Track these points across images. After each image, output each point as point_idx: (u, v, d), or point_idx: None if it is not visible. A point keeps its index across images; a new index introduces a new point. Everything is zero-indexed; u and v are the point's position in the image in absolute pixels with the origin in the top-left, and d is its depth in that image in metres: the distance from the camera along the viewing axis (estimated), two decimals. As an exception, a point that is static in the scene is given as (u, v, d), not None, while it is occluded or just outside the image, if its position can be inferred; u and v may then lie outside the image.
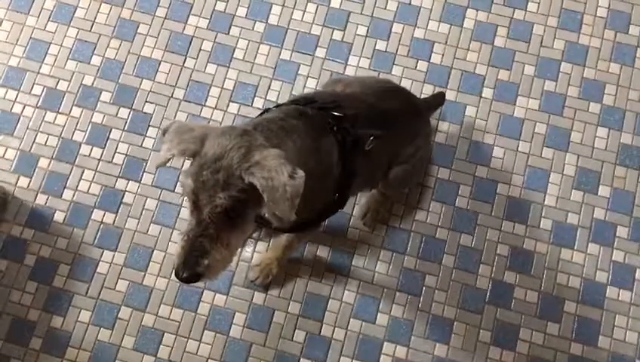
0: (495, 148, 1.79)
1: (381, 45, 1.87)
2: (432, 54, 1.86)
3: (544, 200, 1.75)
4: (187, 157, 1.07)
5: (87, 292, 1.69)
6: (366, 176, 1.37)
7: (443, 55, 1.86)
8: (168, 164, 1.11)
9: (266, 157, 1.03)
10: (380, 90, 1.47)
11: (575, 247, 1.71)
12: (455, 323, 1.66)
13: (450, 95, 1.82)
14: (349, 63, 1.85)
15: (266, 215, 1.22)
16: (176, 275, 1.06)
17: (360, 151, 1.27)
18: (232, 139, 1.04)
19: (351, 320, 1.66)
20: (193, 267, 1.04)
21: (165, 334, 1.66)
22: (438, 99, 1.70)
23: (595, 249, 1.71)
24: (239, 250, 1.13)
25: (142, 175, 1.77)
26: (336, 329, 1.66)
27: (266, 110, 1.31)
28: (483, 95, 1.83)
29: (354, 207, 1.74)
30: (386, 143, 1.33)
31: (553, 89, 1.83)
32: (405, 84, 1.83)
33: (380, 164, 1.44)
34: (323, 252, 1.71)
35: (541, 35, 1.87)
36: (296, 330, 1.66)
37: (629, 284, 1.68)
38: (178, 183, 1.76)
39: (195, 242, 1.04)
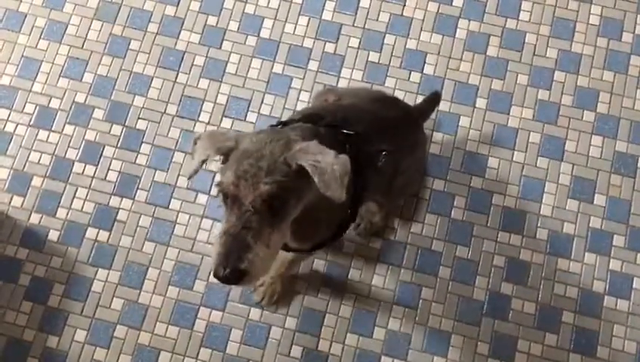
0: (490, 158, 1.78)
1: (374, 57, 1.86)
2: (425, 65, 1.86)
3: (540, 210, 1.74)
4: (221, 156, 1.04)
5: (82, 311, 1.68)
6: (375, 189, 1.36)
7: (436, 66, 1.85)
8: (203, 167, 1.06)
9: (307, 145, 1.02)
10: (376, 101, 1.46)
11: (572, 257, 1.71)
12: (453, 336, 1.65)
13: (443, 106, 1.81)
14: (341, 76, 1.85)
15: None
16: (216, 275, 0.97)
17: (373, 167, 1.26)
18: (269, 135, 1.03)
19: (348, 334, 1.66)
20: (236, 263, 0.96)
21: (162, 352, 1.65)
22: (432, 103, 1.64)
23: (592, 258, 1.70)
24: (279, 250, 1.06)
25: (136, 192, 1.76)
26: (333, 343, 1.65)
27: (278, 125, 1.26)
28: (477, 105, 1.82)
29: (349, 220, 1.73)
30: (390, 155, 1.32)
31: (547, 98, 1.83)
32: (399, 95, 1.82)
33: (387, 177, 1.42)
34: (319, 266, 1.70)
35: (534, 43, 1.87)
36: (293, 346, 1.65)
37: (627, 293, 1.68)
38: (172, 200, 1.76)
39: (236, 237, 0.97)
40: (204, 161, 1.04)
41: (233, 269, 0.96)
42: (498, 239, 1.72)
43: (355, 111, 1.36)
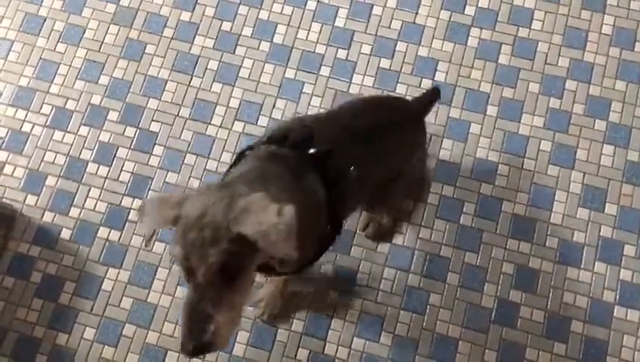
0: (500, 165, 1.78)
1: (385, 63, 1.88)
2: (437, 72, 1.87)
3: (550, 218, 1.73)
4: (170, 227, 1.00)
5: (92, 310, 1.70)
6: (358, 198, 1.34)
7: (447, 73, 1.86)
8: (155, 238, 1.06)
9: (251, 202, 0.98)
10: (362, 106, 1.43)
11: (582, 266, 1.69)
12: (460, 343, 1.64)
13: (454, 113, 1.82)
14: (353, 82, 1.87)
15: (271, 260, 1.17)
16: (182, 349, 0.97)
17: (345, 182, 1.22)
18: (212, 194, 1.00)
19: (354, 338, 1.65)
20: (199, 338, 0.96)
21: (169, 352, 1.66)
22: (432, 97, 1.56)
23: (603, 267, 1.69)
24: (246, 306, 1.07)
25: (147, 193, 1.79)
26: (339, 347, 1.65)
27: (241, 153, 1.25)
28: (487, 112, 1.83)
29: (357, 224, 1.73)
30: (377, 159, 1.31)
31: (558, 106, 1.83)
32: (409, 101, 1.83)
33: (374, 182, 1.40)
34: (327, 269, 1.70)
35: (546, 52, 1.87)
36: (300, 349, 1.65)
37: (638, 303, 1.66)
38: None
39: (196, 310, 0.96)
40: (154, 233, 1.03)
41: (196, 345, 0.97)
42: (507, 246, 1.71)
43: (327, 123, 1.33)
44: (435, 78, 1.86)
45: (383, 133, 1.35)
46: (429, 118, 1.81)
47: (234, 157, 1.27)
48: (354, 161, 1.25)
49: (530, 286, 1.68)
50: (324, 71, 1.88)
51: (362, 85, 1.86)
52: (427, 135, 1.57)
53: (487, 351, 1.64)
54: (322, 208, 1.20)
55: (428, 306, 1.68)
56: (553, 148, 1.79)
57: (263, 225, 0.95)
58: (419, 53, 1.89)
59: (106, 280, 1.72)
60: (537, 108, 1.83)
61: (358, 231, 1.73)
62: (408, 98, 1.83)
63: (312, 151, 1.19)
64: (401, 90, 1.85)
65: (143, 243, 1.03)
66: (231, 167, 1.25)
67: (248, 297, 1.05)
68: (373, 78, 1.86)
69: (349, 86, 1.86)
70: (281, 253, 0.98)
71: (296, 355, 1.64)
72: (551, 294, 1.67)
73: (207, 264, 0.96)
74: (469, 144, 1.80)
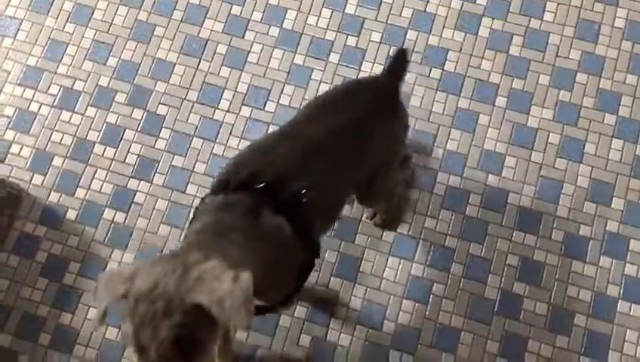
0: (507, 157, 1.77)
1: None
2: (446, 62, 1.86)
3: (556, 212, 1.73)
4: (120, 301, 0.93)
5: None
6: (329, 214, 1.28)
7: (457, 63, 1.85)
8: (107, 318, 0.99)
9: (204, 271, 0.92)
10: (319, 110, 1.31)
11: (587, 260, 1.69)
12: (462, 333, 1.65)
13: (463, 103, 1.81)
14: (362, 69, 1.86)
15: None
16: None
17: (302, 206, 1.15)
18: (164, 264, 0.93)
19: (357, 326, 1.66)
20: None
21: (172, 334, 1.66)
22: (400, 60, 1.40)
23: (608, 262, 1.69)
24: None
25: (153, 175, 1.79)
26: (342, 334, 1.65)
27: (201, 200, 1.19)
28: (496, 103, 1.82)
29: (363, 211, 1.73)
30: (349, 162, 1.23)
31: (568, 99, 1.81)
32: (418, 90, 1.82)
33: (345, 189, 1.31)
34: (331, 257, 1.71)
35: (557, 44, 1.86)
36: (302, 334, 1.66)
37: (642, 299, 1.66)
38: (189, 184, 1.78)
39: None
40: (106, 310, 0.95)
41: None
42: (513, 238, 1.71)
43: (290, 142, 1.22)
44: (445, 68, 1.85)
45: (348, 133, 1.24)
46: (437, 108, 1.81)
47: (193, 211, 1.20)
48: (323, 173, 1.18)
49: (534, 278, 1.68)
50: (334, 58, 1.87)
51: (371, 72, 1.85)
52: (405, 112, 1.41)
53: (489, 341, 1.64)
54: (290, 240, 1.14)
55: (431, 296, 1.68)
56: (562, 141, 1.78)
57: (218, 293, 0.89)
58: (429, 42, 1.87)
59: (110, 261, 1.72)
60: (547, 100, 1.81)
61: (363, 218, 1.73)
62: (421, 92, 1.83)
63: (256, 187, 1.12)
64: (410, 80, 1.84)
65: (94, 324, 0.95)
66: (191, 222, 1.17)
67: None
68: (383, 66, 1.85)
69: (358, 73, 1.85)
70: (239, 323, 0.90)
71: (298, 341, 1.65)
72: (555, 287, 1.67)
73: (159, 339, 0.87)
74: (477, 135, 1.79)
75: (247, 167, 1.16)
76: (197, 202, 1.75)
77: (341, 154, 1.23)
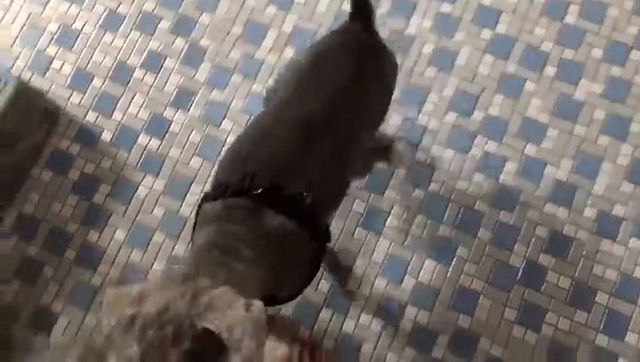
0: (549, 128, 1.74)
1: (446, 8, 1.82)
2: (498, 24, 1.81)
3: (592, 188, 1.70)
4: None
5: (124, 213, 1.72)
6: (336, 195, 1.21)
7: (509, 25, 1.80)
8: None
9: (215, 297, 0.89)
10: (304, 82, 1.19)
11: (617, 240, 1.67)
12: (481, 297, 1.64)
13: (510, 67, 1.77)
14: (410, 24, 1.81)
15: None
16: None
17: (303, 204, 1.09)
18: (174, 288, 0.90)
19: (377, 278, 1.66)
20: None
21: (194, 264, 1.68)
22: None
23: (638, 244, 1.66)
24: None
25: (190, 106, 1.78)
26: (361, 285, 1.66)
27: (203, 198, 1.13)
28: (544, 72, 1.77)
29: (394, 166, 1.71)
30: (345, 138, 1.15)
31: (619, 75, 1.76)
32: (465, 51, 1.78)
33: (351, 164, 1.21)
34: (359, 207, 1.70)
35: (615, 17, 1.79)
36: (322, 281, 1.67)
37: (668, 285, 1.64)
38: (225, 120, 1.77)
39: None
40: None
41: None
42: (544, 210, 1.69)
43: (282, 128, 1.12)
44: (496, 30, 1.80)
45: (344, 98, 1.15)
46: (483, 70, 1.77)
47: (195, 215, 1.14)
48: (326, 156, 1.11)
49: (561, 252, 1.66)
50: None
51: (421, 27, 1.80)
52: (388, 48, 1.28)
53: (507, 309, 1.64)
54: (296, 234, 1.09)
55: (455, 258, 1.67)
56: (607, 117, 1.74)
57: (229, 320, 0.86)
58: (481, 2, 1.82)
59: (141, 186, 1.74)
60: (597, 74, 1.76)
61: (394, 172, 1.71)
62: (467, 52, 1.79)
63: (255, 193, 1.06)
64: (459, 37, 1.79)
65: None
66: (194, 229, 1.12)
67: None
68: (432, 22, 1.81)
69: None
70: (247, 351, 0.86)
71: (317, 287, 1.66)
72: (581, 263, 1.66)
73: None
74: (521, 102, 1.75)
75: (244, 166, 1.10)
76: (231, 139, 1.75)
77: (342, 128, 1.15)
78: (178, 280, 0.92)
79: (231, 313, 0.87)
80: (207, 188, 1.71)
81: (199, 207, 1.12)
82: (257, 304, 0.89)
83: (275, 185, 1.06)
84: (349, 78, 1.16)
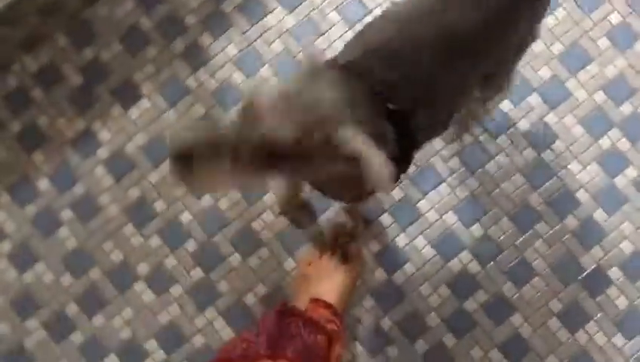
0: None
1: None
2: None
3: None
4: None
5: (245, 33, 1.64)
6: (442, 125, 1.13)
7: None
8: None
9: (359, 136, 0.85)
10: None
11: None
12: (537, 278, 1.60)
13: (616, 18, 1.62)
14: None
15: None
16: None
17: (418, 133, 1.02)
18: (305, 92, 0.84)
19: (450, 211, 1.61)
20: None
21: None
22: None
23: None
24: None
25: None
26: (433, 209, 1.61)
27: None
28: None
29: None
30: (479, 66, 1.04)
31: None
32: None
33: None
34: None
35: None
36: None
37: None
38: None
39: None
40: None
41: None
42: (640, 228, 1.61)
43: (411, 61, 0.99)
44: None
45: (497, 21, 1.02)
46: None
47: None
48: (448, 73, 1.01)
49: (634, 274, 1.60)
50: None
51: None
52: None
53: (555, 299, 1.59)
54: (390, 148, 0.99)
55: (531, 230, 1.61)
56: None
57: (371, 158, 0.83)
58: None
59: (270, 15, 1.64)
60: None
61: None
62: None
63: (391, 107, 0.96)
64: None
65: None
66: None
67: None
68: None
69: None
70: (377, 188, 0.86)
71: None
72: (646, 293, 1.60)
73: (279, 134, 0.80)
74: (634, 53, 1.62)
75: (392, 73, 0.97)
76: None
77: (480, 54, 1.03)
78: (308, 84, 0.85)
79: (372, 154, 0.84)
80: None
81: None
82: (389, 168, 0.85)
83: (411, 109, 0.97)
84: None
